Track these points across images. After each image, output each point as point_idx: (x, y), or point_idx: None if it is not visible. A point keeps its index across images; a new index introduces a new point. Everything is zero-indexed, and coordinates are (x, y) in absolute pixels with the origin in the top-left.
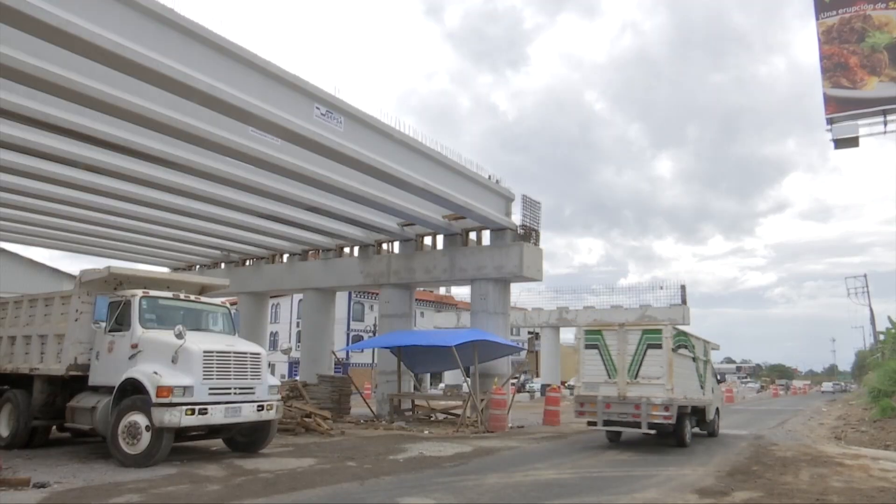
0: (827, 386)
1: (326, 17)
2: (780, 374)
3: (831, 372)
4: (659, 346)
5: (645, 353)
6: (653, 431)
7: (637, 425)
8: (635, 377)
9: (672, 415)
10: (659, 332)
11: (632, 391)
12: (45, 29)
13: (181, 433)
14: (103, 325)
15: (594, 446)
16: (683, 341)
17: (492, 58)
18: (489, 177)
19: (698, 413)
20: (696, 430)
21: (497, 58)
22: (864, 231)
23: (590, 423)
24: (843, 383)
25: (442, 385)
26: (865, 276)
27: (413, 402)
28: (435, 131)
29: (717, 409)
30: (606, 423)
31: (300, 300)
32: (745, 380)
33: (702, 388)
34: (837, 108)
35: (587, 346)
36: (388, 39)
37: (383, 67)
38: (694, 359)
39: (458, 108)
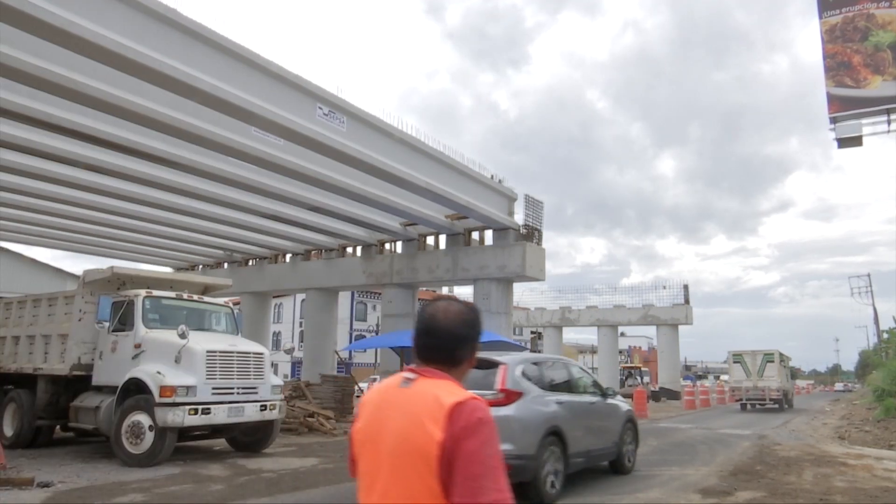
0: (839, 386)
1: (328, 17)
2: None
3: (835, 372)
4: (773, 361)
5: (766, 365)
6: (771, 403)
7: (763, 401)
8: (761, 377)
9: (780, 395)
10: (773, 353)
11: (759, 384)
12: (48, 29)
13: (184, 433)
14: (107, 324)
15: None
16: (782, 358)
17: (493, 57)
18: (492, 176)
19: (786, 395)
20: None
21: (498, 57)
22: (867, 230)
23: (737, 401)
24: (849, 384)
25: None
26: (869, 275)
27: None
28: (436, 130)
29: (793, 393)
30: (747, 400)
31: (303, 300)
32: None
33: (787, 381)
34: (841, 107)
35: (734, 362)
36: (390, 39)
37: (384, 67)
38: (784, 366)
39: (459, 108)
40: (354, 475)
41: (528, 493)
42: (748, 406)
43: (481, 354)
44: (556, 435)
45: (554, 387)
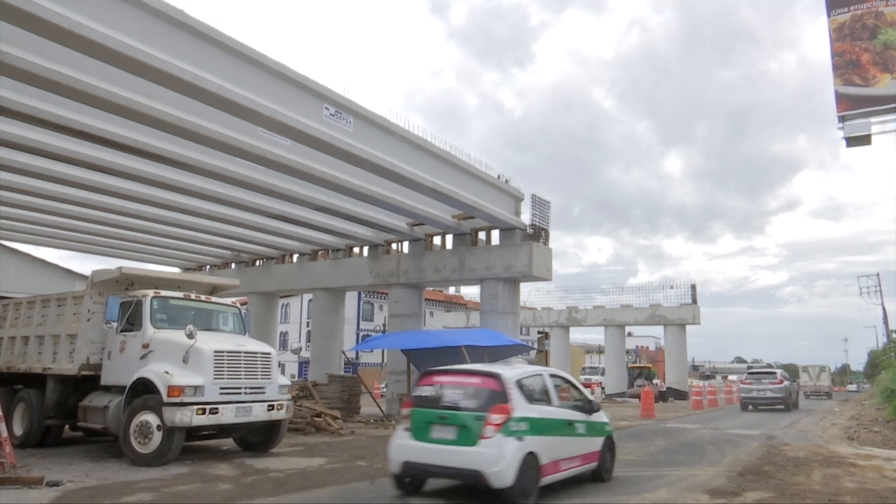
0: (852, 387)
1: (333, 17)
2: (791, 374)
3: (844, 372)
4: (825, 371)
5: (821, 373)
6: (824, 396)
7: (819, 394)
8: (818, 380)
9: (829, 390)
10: (825, 366)
11: (817, 384)
12: (56, 31)
13: (192, 432)
14: (115, 325)
15: None
16: (828, 367)
17: (497, 55)
18: (498, 176)
19: (829, 390)
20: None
21: (503, 55)
22: (876, 229)
23: (804, 393)
24: (860, 384)
25: None
26: (878, 274)
27: None
28: (441, 129)
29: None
30: (811, 393)
31: (310, 300)
32: None
33: (831, 382)
34: (849, 105)
35: (803, 370)
36: (394, 38)
37: (389, 66)
38: (829, 374)
39: (464, 107)
40: None
41: None
42: (811, 397)
43: None
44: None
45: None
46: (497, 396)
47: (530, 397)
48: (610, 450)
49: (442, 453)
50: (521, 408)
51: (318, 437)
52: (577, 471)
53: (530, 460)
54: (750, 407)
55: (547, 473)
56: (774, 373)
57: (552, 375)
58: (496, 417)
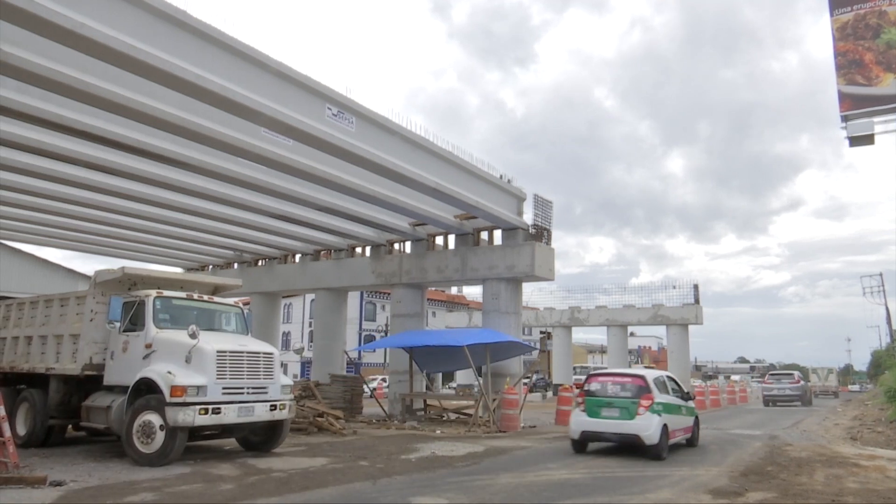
0: (855, 388)
1: (335, 17)
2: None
3: (846, 372)
4: (832, 372)
5: (829, 374)
6: (831, 395)
7: (827, 393)
8: (826, 381)
9: (836, 390)
10: (833, 369)
11: (825, 384)
12: (59, 31)
13: (195, 432)
14: (118, 325)
15: (606, 446)
16: (835, 369)
17: (499, 55)
18: (501, 176)
19: (836, 389)
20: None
21: (504, 55)
22: (879, 229)
23: (814, 393)
24: (863, 384)
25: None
26: (881, 274)
27: (425, 401)
28: (443, 129)
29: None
30: (820, 393)
31: (312, 300)
32: (758, 380)
33: (837, 383)
34: (852, 105)
35: (812, 372)
36: (396, 38)
37: (391, 66)
38: (836, 374)
39: (465, 106)
40: None
41: None
42: (820, 396)
43: None
44: None
45: None
46: (643, 389)
47: (660, 389)
48: (697, 425)
49: (609, 425)
50: (658, 396)
51: (320, 437)
52: (682, 438)
53: (665, 428)
54: (770, 403)
55: (671, 438)
56: (793, 374)
57: (668, 377)
58: (645, 402)
